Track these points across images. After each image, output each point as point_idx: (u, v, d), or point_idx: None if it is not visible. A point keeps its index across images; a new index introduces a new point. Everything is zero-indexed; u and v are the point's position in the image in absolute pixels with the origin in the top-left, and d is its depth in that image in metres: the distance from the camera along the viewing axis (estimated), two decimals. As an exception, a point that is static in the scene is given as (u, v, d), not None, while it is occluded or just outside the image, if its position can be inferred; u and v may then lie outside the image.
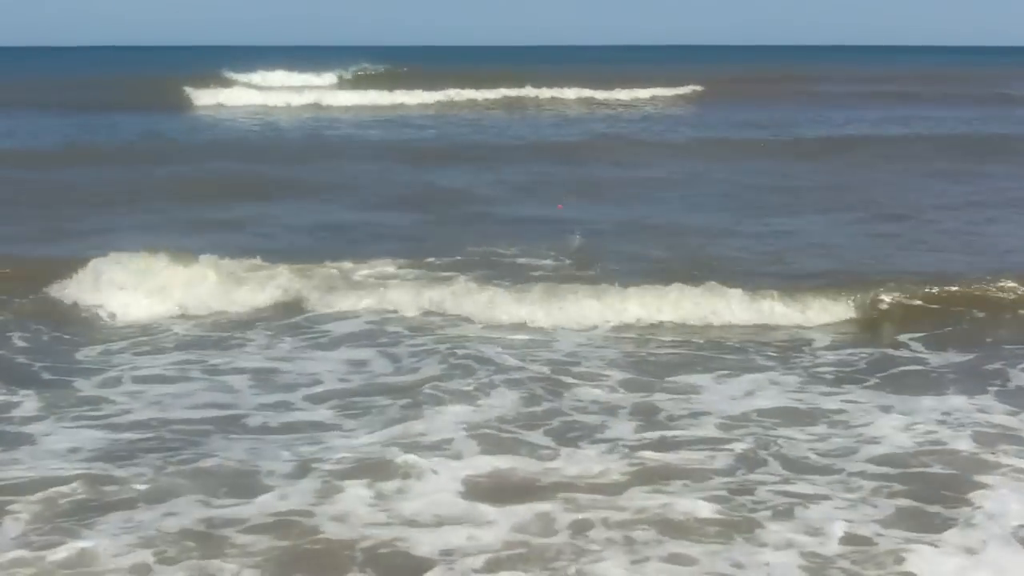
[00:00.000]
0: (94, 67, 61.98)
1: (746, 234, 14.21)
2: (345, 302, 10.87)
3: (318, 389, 8.59)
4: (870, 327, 10.31)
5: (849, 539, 5.98)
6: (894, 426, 7.73)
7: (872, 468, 6.97)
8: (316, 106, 36.47)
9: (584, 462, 7.00)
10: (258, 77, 46.23)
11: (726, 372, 9.02)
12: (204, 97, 37.34)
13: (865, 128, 28.09)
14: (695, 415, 7.99)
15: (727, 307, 10.51)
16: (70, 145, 23.44)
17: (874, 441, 7.44)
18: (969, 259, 12.65)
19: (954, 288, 10.91)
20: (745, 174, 19.61)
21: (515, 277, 11.70)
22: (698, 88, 41.87)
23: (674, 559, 5.78)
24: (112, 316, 10.53)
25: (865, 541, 5.95)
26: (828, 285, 11.02)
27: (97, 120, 28.88)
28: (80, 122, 28.34)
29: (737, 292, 10.63)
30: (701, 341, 9.96)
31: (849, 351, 9.65)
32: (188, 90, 37.44)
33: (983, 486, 6.61)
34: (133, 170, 19.57)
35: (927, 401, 8.28)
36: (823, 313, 10.45)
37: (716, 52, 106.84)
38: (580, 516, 6.20)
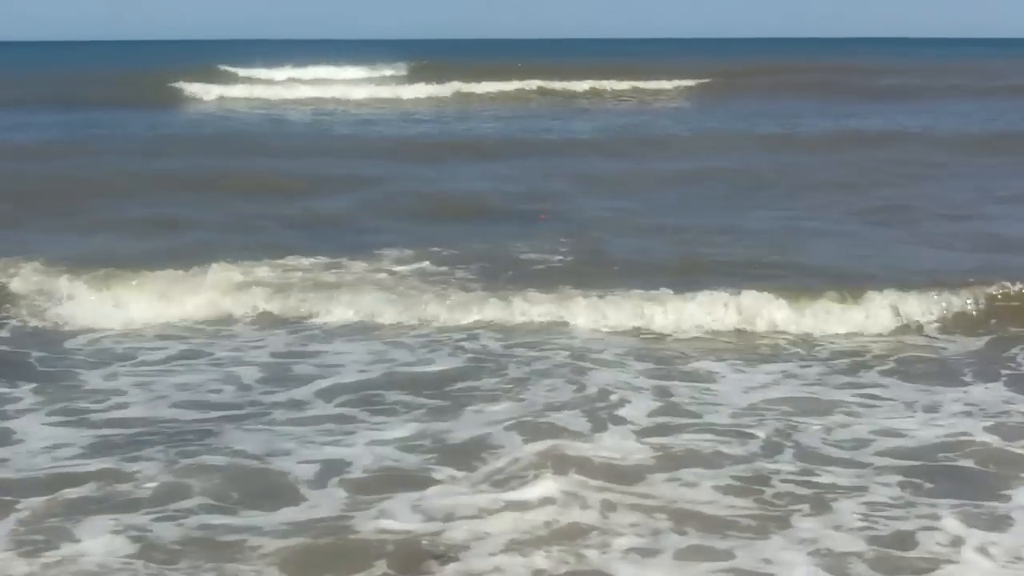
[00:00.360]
0: (90, 62, 61.61)
1: (755, 231, 13.87)
2: (345, 297, 10.55)
3: (333, 382, 8.40)
4: (889, 323, 9.99)
5: (879, 535, 5.79)
6: (920, 419, 7.57)
7: (900, 462, 6.79)
8: (321, 100, 36.19)
9: (617, 451, 6.87)
10: (262, 72, 45.89)
11: (745, 364, 8.87)
12: (204, 92, 37.08)
13: (875, 121, 27.90)
14: (715, 405, 7.84)
15: (739, 308, 10.11)
16: (64, 140, 23.15)
17: (899, 434, 7.27)
18: (984, 255, 12.39)
19: (972, 282, 10.58)
20: (758, 169, 19.18)
21: (520, 272, 11.50)
22: (709, 80, 41.74)
23: (702, 551, 5.64)
24: (107, 316, 10.22)
25: (902, 540, 5.75)
26: (843, 283, 10.63)
27: (85, 116, 28.56)
28: (72, 118, 28.01)
29: (747, 292, 10.25)
30: (718, 331, 9.79)
31: (870, 344, 9.45)
32: (186, 85, 37.18)
33: (1019, 480, 6.44)
34: (130, 164, 19.28)
35: (951, 393, 8.12)
36: (842, 309, 10.08)
37: (727, 45, 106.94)
38: (616, 505, 6.08)
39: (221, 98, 36.36)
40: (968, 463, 6.77)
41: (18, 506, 6.11)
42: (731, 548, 5.66)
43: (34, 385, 8.34)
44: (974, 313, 10.07)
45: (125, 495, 6.27)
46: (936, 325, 9.92)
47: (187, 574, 5.41)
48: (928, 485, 6.44)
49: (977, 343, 9.47)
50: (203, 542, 5.71)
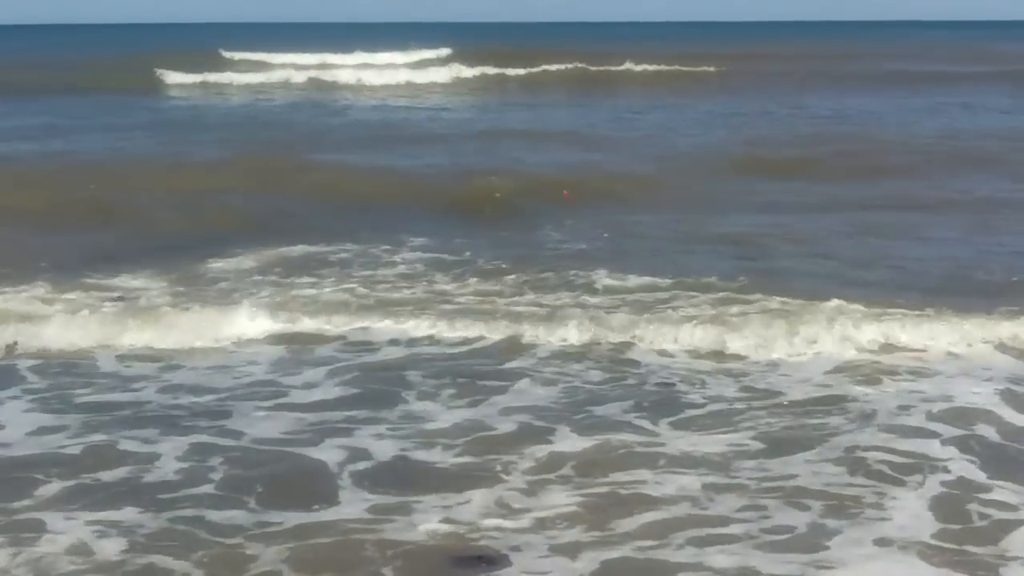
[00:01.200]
0: (83, 49, 61.35)
1: (779, 224, 13.36)
2: (370, 281, 10.42)
3: (353, 368, 8.21)
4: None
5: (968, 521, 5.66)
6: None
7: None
8: (352, 87, 36.03)
9: (668, 439, 6.76)
10: (293, 57, 45.69)
11: (800, 346, 8.62)
12: (232, 79, 37.05)
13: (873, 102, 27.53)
14: (781, 387, 7.70)
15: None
16: (57, 129, 22.87)
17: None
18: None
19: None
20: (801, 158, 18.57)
21: (545, 256, 11.37)
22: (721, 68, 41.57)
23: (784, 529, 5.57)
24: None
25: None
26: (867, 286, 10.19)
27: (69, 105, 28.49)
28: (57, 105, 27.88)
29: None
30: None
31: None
32: (190, 72, 36.72)
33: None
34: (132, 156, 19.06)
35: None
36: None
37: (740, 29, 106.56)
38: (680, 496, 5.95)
39: (239, 85, 36.13)
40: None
41: (20, 493, 5.99)
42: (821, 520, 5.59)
43: (35, 363, 8.27)
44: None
45: (129, 487, 6.12)
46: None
47: (195, 565, 5.22)
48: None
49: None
50: (212, 539, 5.48)
